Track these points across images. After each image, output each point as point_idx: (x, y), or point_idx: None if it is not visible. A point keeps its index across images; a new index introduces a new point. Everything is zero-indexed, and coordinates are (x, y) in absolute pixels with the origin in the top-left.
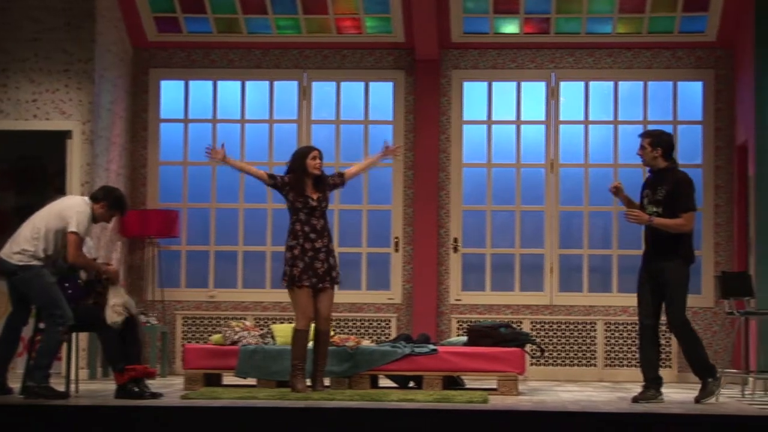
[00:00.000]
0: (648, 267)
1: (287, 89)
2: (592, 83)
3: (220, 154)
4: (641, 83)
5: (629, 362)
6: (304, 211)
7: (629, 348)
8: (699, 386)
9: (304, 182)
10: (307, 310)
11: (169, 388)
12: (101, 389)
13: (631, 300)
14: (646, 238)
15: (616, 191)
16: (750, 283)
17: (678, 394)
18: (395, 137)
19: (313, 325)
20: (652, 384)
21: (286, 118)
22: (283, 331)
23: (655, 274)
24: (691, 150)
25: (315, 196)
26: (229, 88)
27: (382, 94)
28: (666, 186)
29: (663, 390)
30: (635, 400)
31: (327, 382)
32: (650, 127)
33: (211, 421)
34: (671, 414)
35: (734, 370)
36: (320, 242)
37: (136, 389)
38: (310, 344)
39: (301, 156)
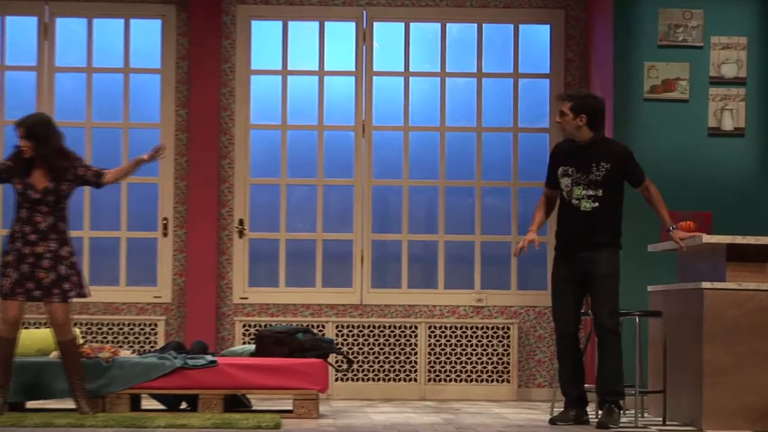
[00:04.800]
0: (570, 259)
1: (23, 27)
2: (413, 25)
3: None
4: (474, 26)
5: (458, 376)
6: (25, 205)
7: (458, 358)
8: (547, 406)
9: (32, 161)
10: (13, 315)
11: None
12: None
13: (462, 298)
14: (569, 221)
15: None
16: None
17: (518, 414)
18: (164, 90)
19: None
20: (575, 404)
21: (21, 64)
22: None
23: (580, 266)
24: (535, 110)
25: (41, 186)
26: None
27: (148, 34)
28: (608, 162)
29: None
30: (553, 421)
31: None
32: (489, 81)
33: None
34: None
35: None
36: (43, 246)
37: None
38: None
39: (47, 124)
